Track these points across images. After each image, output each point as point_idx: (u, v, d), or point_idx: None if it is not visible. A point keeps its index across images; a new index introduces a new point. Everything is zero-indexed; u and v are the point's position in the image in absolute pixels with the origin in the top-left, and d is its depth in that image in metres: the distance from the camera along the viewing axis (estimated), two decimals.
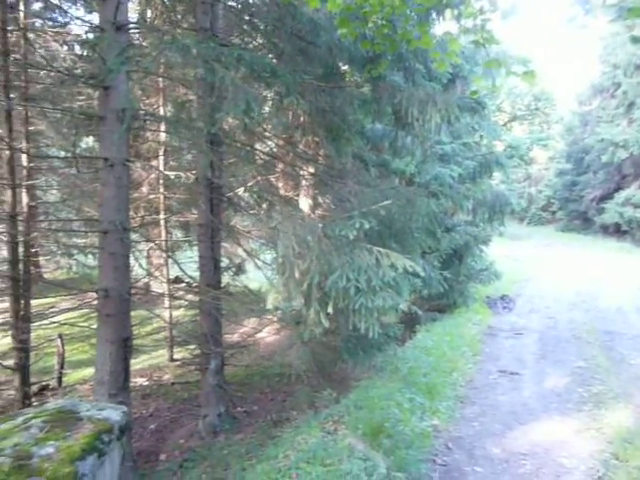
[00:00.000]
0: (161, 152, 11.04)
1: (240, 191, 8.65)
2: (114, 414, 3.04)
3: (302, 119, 7.84)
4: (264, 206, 7.50)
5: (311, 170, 8.27)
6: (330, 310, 4.40)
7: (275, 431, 6.72)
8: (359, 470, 4.14)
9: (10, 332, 8.76)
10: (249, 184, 8.66)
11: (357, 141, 7.80)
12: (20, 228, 8.67)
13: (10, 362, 8.53)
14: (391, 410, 5.36)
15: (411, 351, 8.14)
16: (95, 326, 6.53)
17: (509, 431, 5.82)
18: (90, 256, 13.62)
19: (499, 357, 8.94)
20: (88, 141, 15.72)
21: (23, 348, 8.23)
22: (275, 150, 9.26)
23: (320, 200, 8.92)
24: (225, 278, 8.98)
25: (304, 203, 9.95)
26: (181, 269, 7.75)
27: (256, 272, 10.39)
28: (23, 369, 8.30)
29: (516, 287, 16.05)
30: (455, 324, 10.51)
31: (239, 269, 13.02)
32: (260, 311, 7.66)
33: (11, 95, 8.78)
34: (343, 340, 6.11)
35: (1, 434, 2.65)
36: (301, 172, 8.44)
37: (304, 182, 8.88)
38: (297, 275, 4.49)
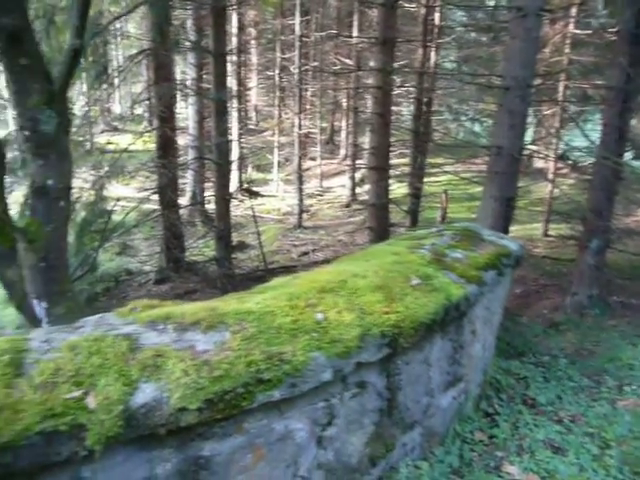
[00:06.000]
0: (574, 8, 9.90)
1: None
2: (512, 245, 3.21)
3: None
4: None
5: None
6: None
7: None
8: None
9: (407, 182, 10.11)
10: None
11: None
12: (425, 85, 9.45)
13: (405, 207, 9.95)
14: None
15: None
16: (472, 190, 6.77)
17: None
18: (477, 124, 14.04)
19: None
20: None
21: (416, 194, 9.42)
22: None
23: None
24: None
25: None
26: (584, 134, 7.16)
27: None
28: (414, 213, 9.59)
29: None
30: None
31: None
32: None
33: None
34: None
35: (419, 236, 3.14)
36: None
37: None
38: None
